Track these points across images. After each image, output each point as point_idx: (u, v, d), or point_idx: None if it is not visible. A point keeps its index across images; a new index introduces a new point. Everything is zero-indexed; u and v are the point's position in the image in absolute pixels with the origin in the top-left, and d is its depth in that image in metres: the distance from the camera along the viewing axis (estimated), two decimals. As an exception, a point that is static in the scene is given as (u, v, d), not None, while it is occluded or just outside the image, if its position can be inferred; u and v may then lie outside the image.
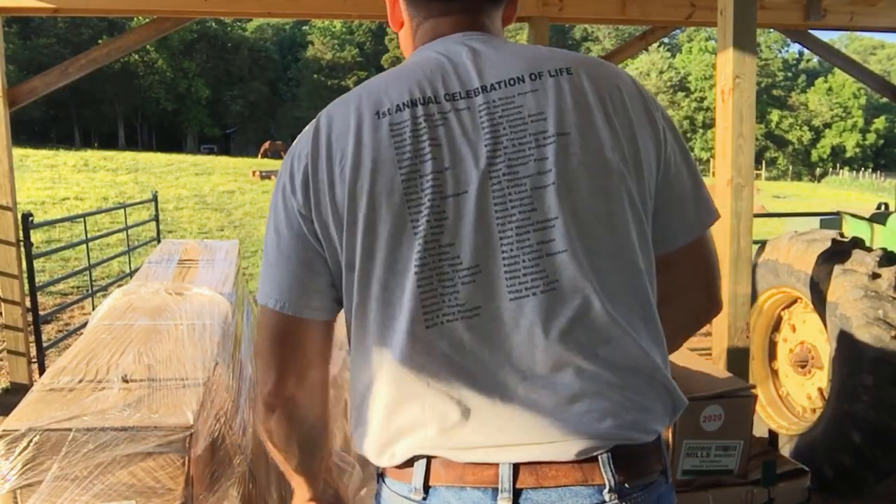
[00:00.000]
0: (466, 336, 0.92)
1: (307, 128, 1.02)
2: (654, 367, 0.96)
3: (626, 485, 0.92)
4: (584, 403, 0.92)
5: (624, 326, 0.94)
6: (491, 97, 0.97)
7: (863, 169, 53.31)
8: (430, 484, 0.94)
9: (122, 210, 7.79)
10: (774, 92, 60.27)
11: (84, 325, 3.28)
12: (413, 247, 0.93)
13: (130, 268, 6.88)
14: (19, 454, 1.10)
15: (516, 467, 0.91)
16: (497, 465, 0.91)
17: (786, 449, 3.30)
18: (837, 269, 3.25)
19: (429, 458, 0.94)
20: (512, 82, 0.97)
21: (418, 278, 0.92)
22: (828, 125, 60.70)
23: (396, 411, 0.95)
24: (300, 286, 1.00)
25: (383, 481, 1.00)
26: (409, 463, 0.96)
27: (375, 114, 0.97)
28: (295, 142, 1.03)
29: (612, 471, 0.91)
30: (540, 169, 0.93)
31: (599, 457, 0.92)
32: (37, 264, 6.36)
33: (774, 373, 3.89)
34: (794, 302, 3.74)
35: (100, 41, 23.02)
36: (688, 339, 1.19)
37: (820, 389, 3.50)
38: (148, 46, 43.20)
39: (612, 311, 0.93)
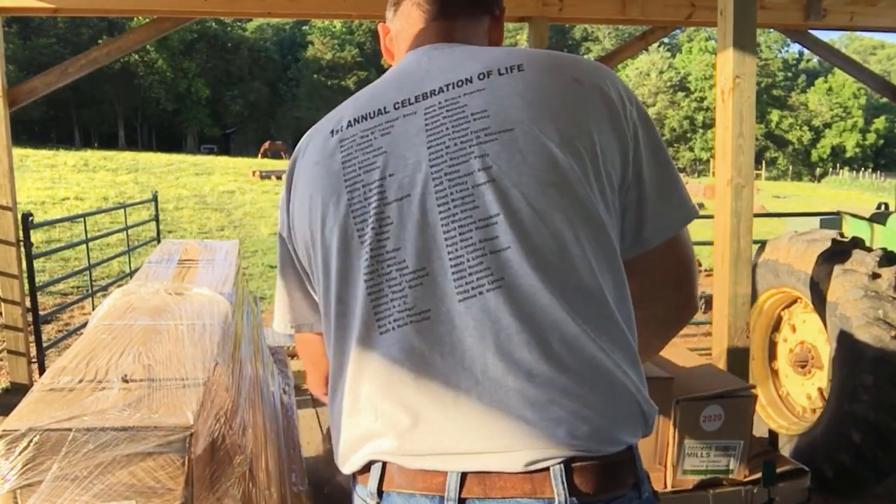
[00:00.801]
0: (417, 341, 0.90)
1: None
2: (617, 371, 0.90)
3: (581, 499, 0.87)
4: (537, 411, 0.87)
5: (580, 326, 0.88)
6: (437, 100, 0.96)
7: (863, 169, 53.31)
8: (384, 489, 0.93)
9: (122, 210, 7.77)
10: (774, 92, 60.25)
11: (84, 325, 3.28)
12: (360, 255, 0.94)
13: (130, 268, 6.87)
14: (19, 454, 1.10)
15: (464, 476, 0.88)
16: (446, 472, 0.89)
17: (786, 449, 3.30)
18: (837, 269, 3.25)
19: (384, 464, 0.93)
20: (460, 83, 0.96)
21: (367, 286, 0.93)
22: (828, 125, 60.69)
23: (353, 421, 0.95)
24: (301, 306, 1.12)
25: (355, 483, 1.00)
26: (367, 468, 0.96)
27: (329, 133, 1.02)
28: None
29: (563, 484, 0.86)
30: (480, 166, 0.91)
31: (551, 468, 0.86)
32: (37, 264, 6.36)
33: (774, 373, 3.89)
34: (794, 302, 3.74)
35: (100, 41, 22.97)
36: (666, 343, 1.15)
37: (820, 389, 3.50)
38: (148, 46, 43.21)
39: (563, 309, 0.88)
